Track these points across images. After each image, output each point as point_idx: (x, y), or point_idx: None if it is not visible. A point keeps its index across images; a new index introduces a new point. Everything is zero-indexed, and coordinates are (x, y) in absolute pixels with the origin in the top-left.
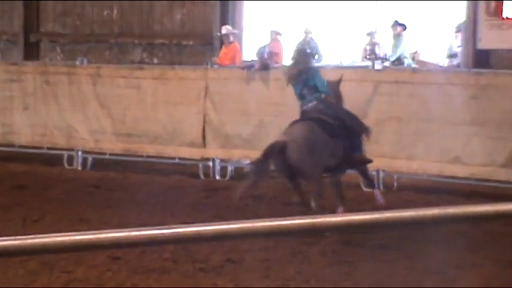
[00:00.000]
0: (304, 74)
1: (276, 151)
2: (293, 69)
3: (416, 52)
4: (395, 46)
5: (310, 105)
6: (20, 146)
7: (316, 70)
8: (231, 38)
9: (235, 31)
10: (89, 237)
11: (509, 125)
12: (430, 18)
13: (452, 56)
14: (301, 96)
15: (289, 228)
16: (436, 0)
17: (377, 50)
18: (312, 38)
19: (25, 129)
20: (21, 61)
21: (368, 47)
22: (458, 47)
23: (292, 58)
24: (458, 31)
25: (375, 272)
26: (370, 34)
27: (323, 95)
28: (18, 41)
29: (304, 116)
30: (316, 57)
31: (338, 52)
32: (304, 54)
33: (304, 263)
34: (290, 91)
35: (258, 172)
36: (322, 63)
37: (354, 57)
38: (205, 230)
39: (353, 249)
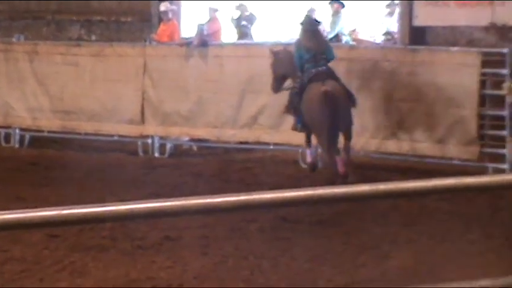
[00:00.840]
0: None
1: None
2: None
3: (354, 30)
4: (334, 23)
5: (324, 68)
6: None
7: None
8: (170, 15)
9: (174, 8)
10: (22, 216)
11: (445, 101)
12: None
13: (387, 33)
14: (313, 60)
15: (224, 205)
16: None
17: None
18: (251, 13)
19: None
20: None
21: None
22: (391, 25)
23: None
24: (389, 9)
25: (312, 248)
26: (310, 11)
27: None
28: None
29: (323, 76)
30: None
31: (278, 29)
32: (316, 21)
33: (243, 239)
34: (228, 68)
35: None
36: (263, 40)
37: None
38: (140, 207)
39: (291, 226)
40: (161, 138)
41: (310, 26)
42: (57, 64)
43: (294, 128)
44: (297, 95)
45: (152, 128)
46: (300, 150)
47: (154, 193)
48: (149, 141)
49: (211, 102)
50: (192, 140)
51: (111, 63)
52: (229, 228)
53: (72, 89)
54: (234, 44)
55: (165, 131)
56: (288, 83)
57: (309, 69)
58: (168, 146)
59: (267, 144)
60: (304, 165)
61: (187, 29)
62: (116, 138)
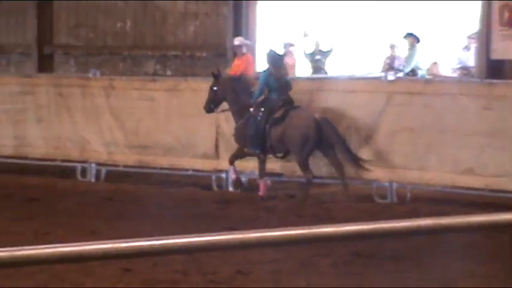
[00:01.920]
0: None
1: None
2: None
3: (436, 63)
4: (409, 57)
5: (289, 97)
6: (34, 159)
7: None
8: (244, 50)
9: (248, 42)
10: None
11: None
12: (445, 30)
13: (463, 68)
14: (279, 89)
15: (298, 237)
16: (450, 11)
17: (396, 64)
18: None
19: (38, 141)
20: (34, 73)
21: (388, 60)
22: (468, 58)
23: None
24: (466, 43)
25: (385, 283)
26: (392, 47)
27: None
28: (32, 53)
29: (291, 103)
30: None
31: (357, 63)
32: (279, 55)
33: (315, 274)
34: (301, 102)
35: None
36: (336, 74)
37: (373, 68)
38: (215, 239)
39: (364, 261)
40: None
41: (278, 58)
42: (133, 99)
43: (256, 155)
44: (261, 122)
45: (226, 163)
46: (374, 185)
47: (227, 227)
48: (223, 175)
49: None
50: (267, 174)
51: (185, 98)
52: (301, 263)
53: (148, 123)
54: (307, 78)
55: (239, 165)
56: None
57: (275, 97)
58: (243, 180)
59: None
60: (379, 200)
61: (262, 64)
62: (190, 172)
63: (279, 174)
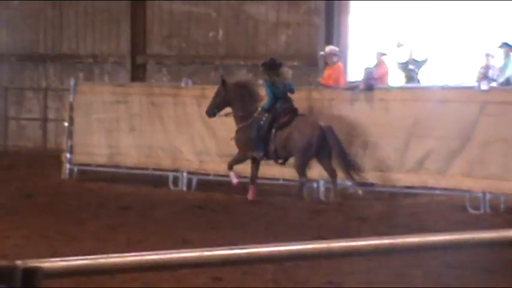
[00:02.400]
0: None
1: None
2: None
3: None
4: (504, 67)
5: (291, 104)
6: (126, 167)
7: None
8: (335, 59)
9: (339, 51)
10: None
11: None
12: None
13: None
14: (284, 97)
15: (390, 247)
16: None
17: (490, 73)
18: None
19: (131, 150)
20: (128, 82)
21: (482, 70)
22: None
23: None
24: None
25: None
26: (487, 56)
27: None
28: (125, 63)
29: (295, 111)
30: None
31: (451, 72)
32: (279, 63)
33: (407, 285)
34: (394, 112)
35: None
36: (428, 83)
37: (467, 78)
38: (306, 248)
39: (456, 272)
40: (326, 182)
41: (275, 67)
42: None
43: (259, 158)
44: (265, 125)
45: (317, 172)
46: (467, 196)
47: (318, 237)
48: (314, 184)
49: (377, 145)
50: (358, 184)
51: None
52: (392, 274)
53: None
54: (400, 88)
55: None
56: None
57: (278, 105)
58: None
59: (433, 188)
60: (472, 211)
61: (354, 73)
62: (281, 181)
63: (371, 184)
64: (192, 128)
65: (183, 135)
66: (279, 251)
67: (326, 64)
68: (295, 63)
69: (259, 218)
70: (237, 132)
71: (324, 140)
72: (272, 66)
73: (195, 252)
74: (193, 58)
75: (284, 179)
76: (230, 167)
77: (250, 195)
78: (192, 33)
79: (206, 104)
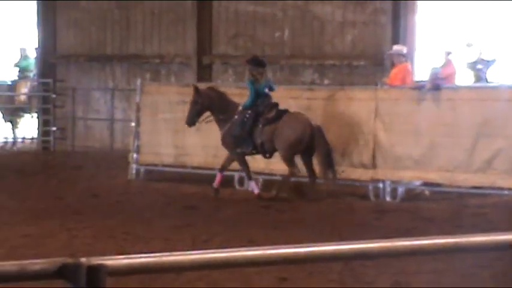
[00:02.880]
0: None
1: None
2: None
3: None
4: None
5: (271, 99)
6: (192, 167)
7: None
8: (402, 58)
9: (406, 51)
10: (254, 254)
11: None
12: None
13: None
14: (264, 94)
15: (455, 247)
16: None
17: None
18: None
19: (197, 150)
20: (193, 83)
21: None
22: None
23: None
24: None
25: None
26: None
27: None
28: (192, 63)
29: (278, 108)
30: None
31: None
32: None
33: (474, 286)
34: (462, 112)
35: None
36: (496, 82)
37: None
38: (371, 247)
39: None
40: (392, 182)
41: (259, 64)
42: (290, 107)
43: (248, 151)
44: (249, 121)
45: (383, 172)
46: None
47: (384, 237)
48: (380, 185)
49: (444, 145)
50: (424, 184)
51: (342, 107)
52: (460, 274)
53: None
54: (467, 87)
55: (396, 175)
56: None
57: (259, 101)
58: (400, 190)
59: (501, 189)
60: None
61: (421, 73)
62: (347, 182)
63: (438, 184)
64: None
65: None
66: (344, 250)
67: (392, 64)
68: (361, 63)
69: (325, 218)
70: (224, 135)
71: (313, 138)
72: (257, 64)
73: (260, 250)
74: None
75: (350, 179)
76: (223, 169)
77: (255, 190)
78: (258, 33)
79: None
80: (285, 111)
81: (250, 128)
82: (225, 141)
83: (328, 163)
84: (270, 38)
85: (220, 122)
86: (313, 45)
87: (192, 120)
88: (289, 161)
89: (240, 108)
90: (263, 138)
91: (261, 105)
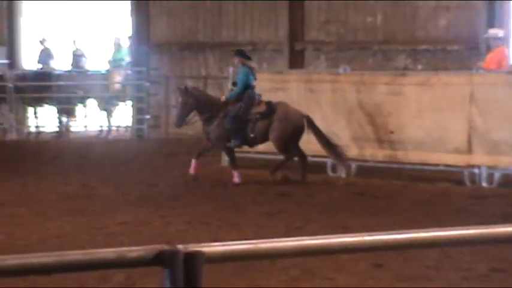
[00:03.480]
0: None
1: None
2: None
3: None
4: None
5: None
6: None
7: None
8: (498, 42)
9: (502, 34)
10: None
11: None
12: None
13: None
14: (252, 86)
15: None
16: None
17: None
18: None
19: None
20: (286, 70)
21: None
22: None
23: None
24: None
25: None
26: None
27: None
28: (283, 49)
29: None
30: None
31: None
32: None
33: None
34: None
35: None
36: None
37: None
38: (468, 233)
39: None
40: (489, 167)
41: (250, 57)
42: (383, 94)
43: (234, 146)
44: (243, 115)
45: (479, 157)
46: None
47: (480, 223)
48: (476, 170)
49: None
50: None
51: (437, 92)
52: None
53: (397, 118)
54: None
55: (493, 160)
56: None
57: (251, 93)
58: (496, 175)
59: None
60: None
61: None
62: (441, 167)
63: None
64: (350, 114)
65: (341, 121)
66: (441, 236)
67: (488, 48)
68: (456, 48)
69: (419, 204)
70: (212, 130)
71: (307, 127)
72: (246, 56)
73: (355, 237)
74: (351, 44)
75: (445, 165)
76: (198, 155)
77: (236, 179)
78: (350, 19)
79: (365, 90)
80: (273, 103)
81: (245, 121)
82: (214, 137)
83: (333, 144)
84: (362, 24)
85: (206, 120)
86: (406, 30)
87: (181, 121)
88: (285, 149)
89: (224, 98)
90: (256, 132)
91: (253, 98)
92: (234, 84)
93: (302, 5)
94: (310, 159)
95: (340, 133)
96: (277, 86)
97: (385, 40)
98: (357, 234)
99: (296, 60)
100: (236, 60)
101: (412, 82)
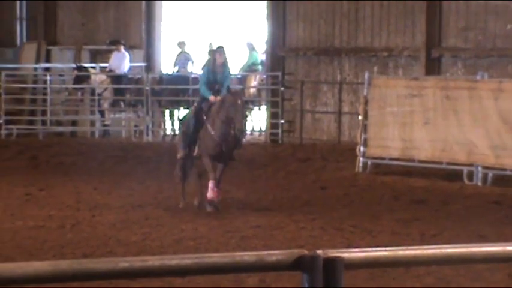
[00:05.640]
0: None
1: None
2: None
3: None
4: None
5: None
6: (420, 161)
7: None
8: None
9: None
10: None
11: None
12: None
13: None
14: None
15: None
16: None
17: None
18: None
19: (425, 144)
20: (422, 76)
21: None
22: None
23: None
24: None
25: None
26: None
27: None
28: (420, 56)
29: None
30: None
31: None
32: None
33: None
34: None
35: None
36: None
37: None
38: None
39: None
40: None
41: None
42: None
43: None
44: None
45: None
46: None
47: None
48: None
49: None
50: None
51: None
52: None
53: None
54: None
55: None
56: None
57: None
58: None
59: None
60: None
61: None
62: None
63: None
64: (488, 122)
65: (478, 129)
66: None
67: None
68: None
69: None
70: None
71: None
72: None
73: (495, 246)
74: (490, 51)
75: None
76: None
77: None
78: (490, 25)
79: (504, 97)
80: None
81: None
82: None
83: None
84: (501, 30)
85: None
86: None
87: None
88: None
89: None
90: None
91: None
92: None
93: (440, 11)
94: (446, 167)
95: (477, 141)
96: (414, 93)
97: None
98: (497, 244)
99: (433, 67)
100: (218, 55)
101: None
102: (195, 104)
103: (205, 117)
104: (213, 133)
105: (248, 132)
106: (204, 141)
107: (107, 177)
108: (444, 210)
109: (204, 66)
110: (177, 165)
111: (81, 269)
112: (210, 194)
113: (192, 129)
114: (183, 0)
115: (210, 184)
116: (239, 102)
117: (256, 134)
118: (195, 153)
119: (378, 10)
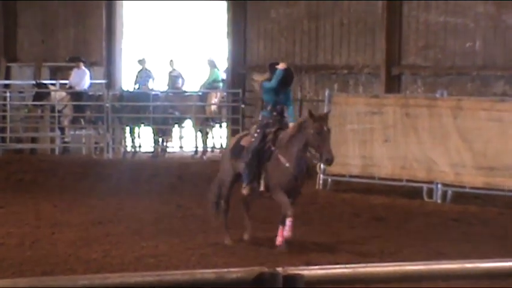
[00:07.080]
0: None
1: None
2: None
3: None
4: None
5: None
6: (380, 178)
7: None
8: None
9: None
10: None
11: None
12: None
13: None
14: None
15: None
16: None
17: None
18: None
19: (385, 161)
20: (382, 94)
21: None
22: None
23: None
24: None
25: None
26: None
27: None
28: (380, 73)
29: None
30: None
31: None
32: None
33: None
34: None
35: None
36: None
37: None
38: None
39: None
40: None
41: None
42: (481, 120)
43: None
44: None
45: None
46: None
47: None
48: None
49: None
50: None
51: None
52: None
53: (496, 145)
54: None
55: None
56: None
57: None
58: None
59: None
60: None
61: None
62: None
63: None
64: (447, 139)
65: (438, 146)
66: None
67: None
68: None
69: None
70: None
71: None
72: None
73: (455, 264)
74: (449, 69)
75: None
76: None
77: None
78: (449, 44)
79: (463, 115)
80: None
81: None
82: None
83: None
84: (460, 49)
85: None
86: (506, 55)
87: None
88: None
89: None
90: None
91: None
92: None
93: (400, 29)
94: (406, 184)
95: (437, 159)
96: (374, 110)
97: (483, 65)
98: (456, 262)
99: (393, 85)
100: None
101: (510, 108)
102: (257, 129)
103: (272, 147)
104: (287, 165)
105: (209, 149)
106: (275, 175)
107: (67, 194)
108: (404, 227)
109: (274, 78)
110: (223, 197)
111: (40, 286)
112: (287, 232)
113: (257, 161)
114: (144, 17)
115: (288, 222)
116: (325, 129)
117: (218, 151)
118: (261, 188)
119: (338, 28)
